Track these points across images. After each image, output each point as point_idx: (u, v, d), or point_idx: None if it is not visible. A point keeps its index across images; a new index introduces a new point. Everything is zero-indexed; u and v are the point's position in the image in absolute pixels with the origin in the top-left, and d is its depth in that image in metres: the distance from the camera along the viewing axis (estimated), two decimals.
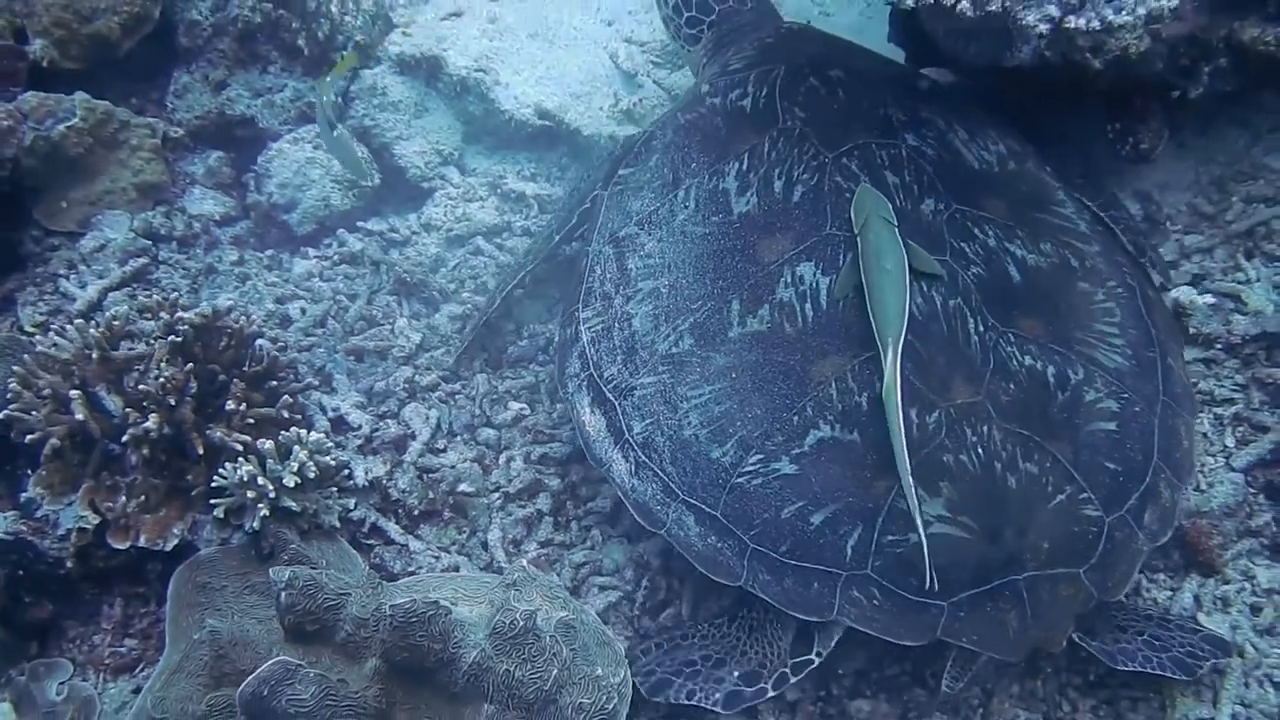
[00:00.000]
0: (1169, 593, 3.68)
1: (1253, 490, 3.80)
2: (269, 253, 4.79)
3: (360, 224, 4.78)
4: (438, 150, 5.06)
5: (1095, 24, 2.93)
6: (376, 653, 3.11)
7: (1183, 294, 4.09)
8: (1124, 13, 2.93)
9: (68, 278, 4.45)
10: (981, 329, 3.47)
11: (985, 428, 3.32)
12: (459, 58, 5.08)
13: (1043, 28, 2.97)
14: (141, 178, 4.73)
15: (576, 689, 3.12)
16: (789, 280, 3.58)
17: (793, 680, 3.37)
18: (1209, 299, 4.08)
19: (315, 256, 4.74)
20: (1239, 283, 4.14)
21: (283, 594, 3.16)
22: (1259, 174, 4.34)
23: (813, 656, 3.37)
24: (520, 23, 5.37)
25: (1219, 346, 4.02)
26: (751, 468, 3.38)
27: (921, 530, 3.10)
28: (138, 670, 3.68)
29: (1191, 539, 3.70)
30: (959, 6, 3.00)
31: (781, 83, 4.03)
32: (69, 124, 4.50)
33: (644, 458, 3.55)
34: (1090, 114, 4.25)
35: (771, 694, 3.37)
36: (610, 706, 3.14)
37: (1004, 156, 3.97)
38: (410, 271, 4.55)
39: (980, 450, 3.29)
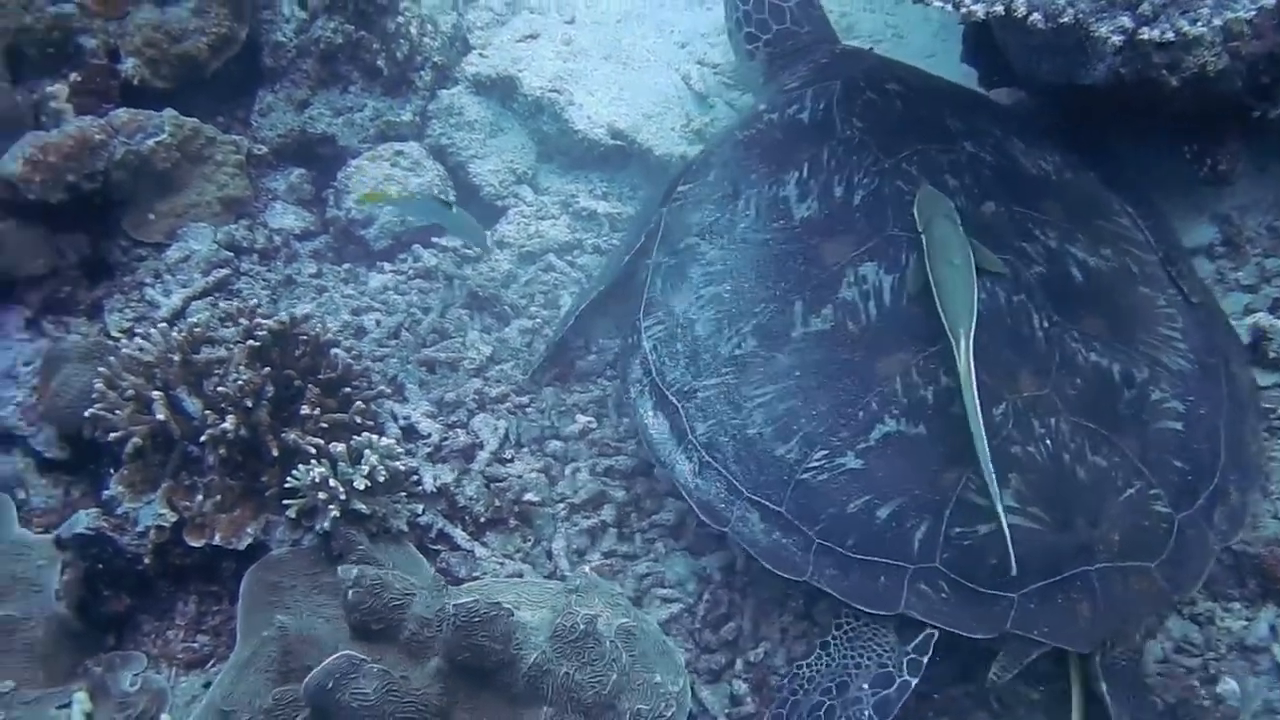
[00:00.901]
0: (1244, 622, 3.61)
1: None
2: (346, 266, 4.89)
3: (435, 240, 4.86)
4: (512, 169, 5.15)
5: (1170, 35, 2.92)
6: (439, 652, 3.17)
7: (1262, 319, 4.03)
8: (1199, 24, 2.93)
9: (153, 286, 4.58)
10: (1045, 324, 3.49)
11: (1053, 420, 3.33)
12: (534, 78, 5.18)
13: (1116, 39, 2.97)
14: (226, 192, 4.87)
15: (635, 695, 3.15)
16: (852, 280, 3.63)
17: (924, 662, 3.30)
18: None
19: (391, 271, 4.83)
20: None
21: (350, 591, 3.24)
22: None
23: (930, 629, 3.30)
24: (595, 45, 5.46)
25: None
26: (816, 463, 3.42)
27: (1004, 518, 3.10)
28: (209, 665, 3.76)
29: (1269, 567, 3.63)
30: (1031, 18, 3.01)
31: (839, 97, 4.08)
32: (158, 139, 4.64)
33: (708, 458, 3.60)
34: (1166, 136, 4.22)
35: (914, 682, 3.30)
36: (669, 714, 3.17)
37: (1060, 166, 3.98)
38: (482, 286, 4.63)
39: (1049, 441, 3.29)
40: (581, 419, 4.22)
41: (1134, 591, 3.22)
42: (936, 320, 3.39)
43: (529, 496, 3.97)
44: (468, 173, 5.12)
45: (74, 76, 4.79)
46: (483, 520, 3.94)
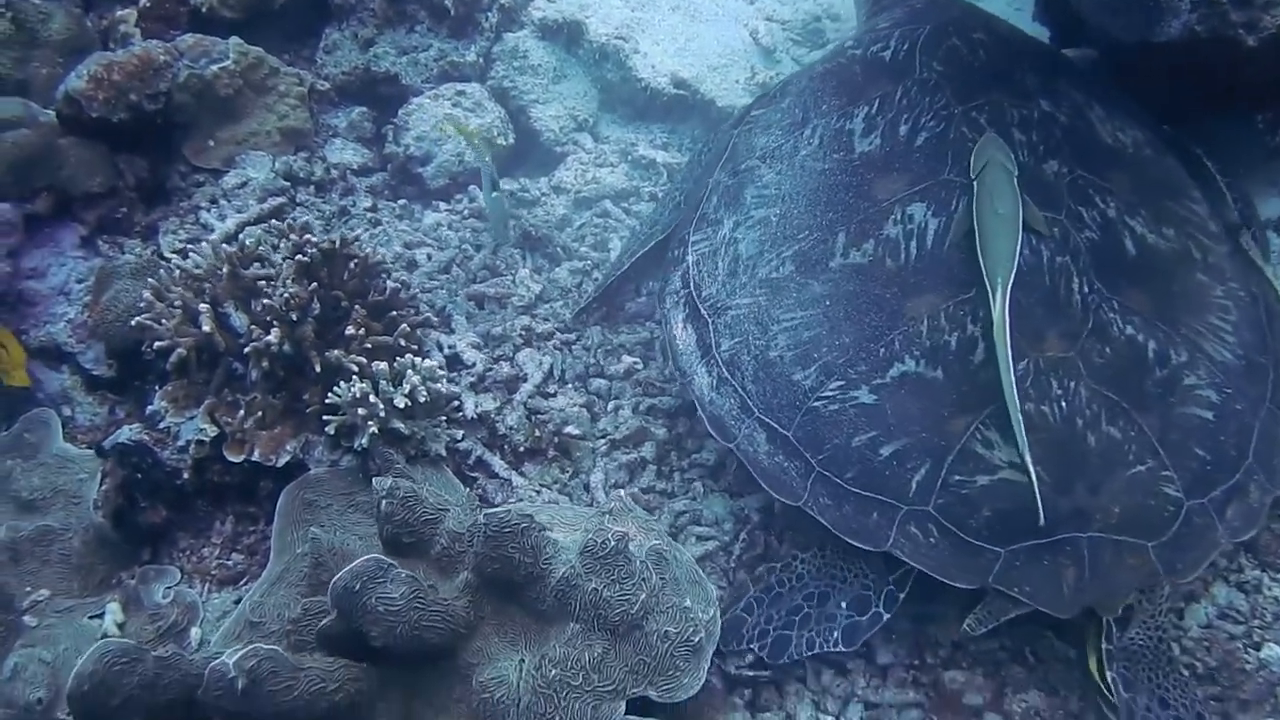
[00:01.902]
0: None
1: None
2: (401, 203, 4.87)
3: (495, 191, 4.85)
4: (573, 116, 5.12)
5: None
6: (469, 566, 3.13)
7: None
8: None
9: (208, 210, 4.60)
10: (1085, 290, 3.39)
11: (1072, 383, 3.25)
12: (600, 25, 5.15)
13: None
14: (286, 123, 4.88)
15: (664, 617, 3.08)
16: (898, 218, 3.57)
17: (900, 598, 3.32)
18: None
19: (446, 209, 4.81)
20: None
21: (383, 502, 3.20)
22: None
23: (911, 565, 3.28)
24: None
25: None
26: (830, 393, 3.38)
27: (1031, 467, 3.06)
28: (241, 583, 3.76)
29: None
30: None
31: (925, 40, 4.00)
32: (222, 64, 4.67)
33: (727, 374, 3.59)
34: (1241, 104, 4.09)
35: (886, 616, 3.32)
36: (696, 639, 3.09)
37: (1141, 142, 3.87)
38: (536, 226, 4.59)
39: (1064, 404, 3.22)
40: (627, 359, 4.17)
41: (1125, 566, 3.15)
42: (974, 268, 3.34)
43: (570, 429, 3.93)
44: (529, 117, 5.10)
45: (143, 2, 4.87)
46: (522, 450, 3.91)
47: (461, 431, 3.85)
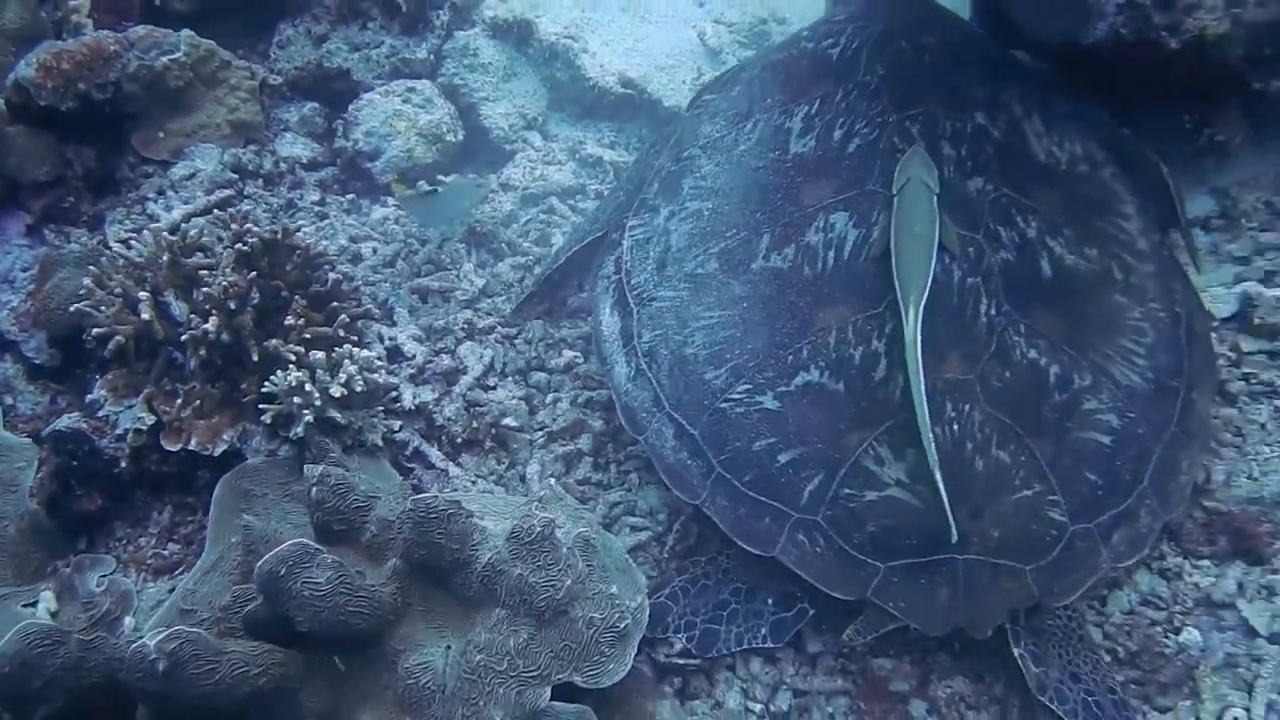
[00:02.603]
0: (1212, 579, 3.56)
1: None
2: (349, 197, 4.90)
3: (441, 177, 4.85)
4: (522, 114, 5.17)
5: None
6: (398, 552, 3.15)
7: (1250, 286, 3.98)
8: None
9: (155, 201, 4.61)
10: (993, 312, 3.41)
11: (967, 406, 3.28)
12: (550, 25, 5.21)
13: None
14: (236, 116, 4.90)
15: (589, 604, 3.11)
16: (820, 225, 3.59)
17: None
18: (1278, 292, 3.97)
19: (394, 204, 4.83)
20: None
21: (314, 489, 3.20)
22: None
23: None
24: None
25: None
26: (738, 396, 3.42)
27: (943, 488, 3.09)
28: (177, 573, 3.77)
29: (1240, 525, 3.57)
30: None
31: (874, 40, 4.01)
32: (173, 56, 4.68)
33: (644, 366, 3.62)
34: (1168, 105, 4.17)
35: (811, 612, 3.38)
36: (622, 625, 3.11)
37: (1077, 158, 3.85)
38: (481, 222, 4.62)
39: (955, 427, 3.25)
40: (568, 353, 4.21)
41: (999, 589, 3.19)
42: (886, 283, 3.37)
43: (507, 421, 3.96)
44: (478, 114, 5.13)
45: None
46: (459, 441, 3.94)
47: (399, 422, 3.88)
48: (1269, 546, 3.58)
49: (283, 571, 2.92)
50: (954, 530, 3.11)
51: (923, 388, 3.14)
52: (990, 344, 3.37)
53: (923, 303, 3.24)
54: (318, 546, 2.99)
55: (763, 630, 3.37)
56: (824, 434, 3.30)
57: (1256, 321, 3.95)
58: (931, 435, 3.11)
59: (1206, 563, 3.61)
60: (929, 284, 3.28)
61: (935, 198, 3.46)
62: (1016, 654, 3.26)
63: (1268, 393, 3.88)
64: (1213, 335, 3.86)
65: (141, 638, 2.85)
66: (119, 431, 3.79)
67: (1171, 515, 3.40)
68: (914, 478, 3.20)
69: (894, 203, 3.50)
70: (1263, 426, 3.81)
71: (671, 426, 3.51)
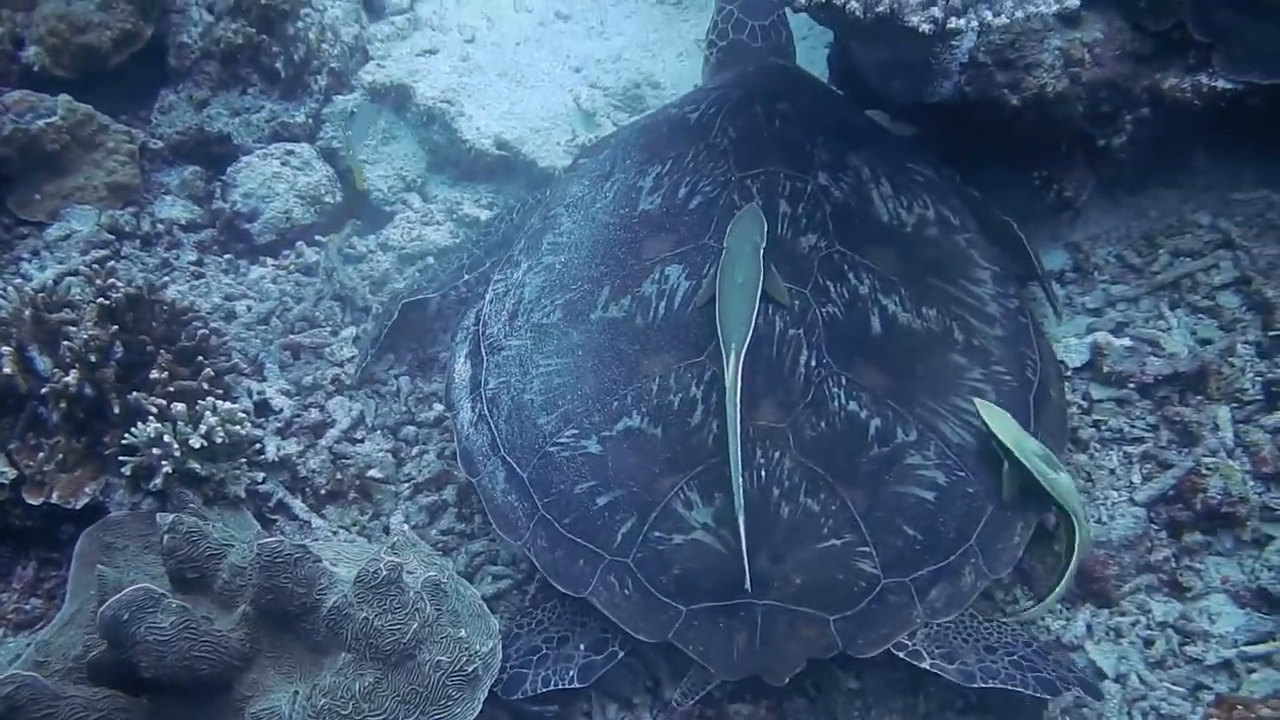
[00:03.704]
0: (1063, 622, 3.69)
1: (1155, 526, 3.81)
2: (227, 257, 4.95)
3: (319, 238, 4.94)
4: (401, 176, 5.26)
5: (974, 23, 3.06)
6: (248, 598, 3.17)
7: (1100, 336, 4.16)
8: (1002, 15, 3.06)
9: (29, 261, 4.64)
10: (812, 363, 3.51)
11: (777, 454, 3.37)
12: (428, 89, 5.31)
13: (926, 28, 3.10)
14: (114, 178, 4.94)
15: (437, 647, 3.13)
16: (656, 277, 3.73)
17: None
18: (1126, 341, 4.14)
19: (273, 264, 4.89)
20: (1160, 330, 4.19)
21: (166, 537, 3.22)
22: (1187, 229, 4.43)
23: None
24: (491, 64, 5.60)
25: (1132, 386, 4.07)
26: (565, 440, 3.53)
27: (744, 533, 3.16)
28: (38, 627, 3.74)
29: (1088, 568, 3.70)
30: (848, 6, 3.14)
31: (730, 105, 4.16)
32: (49, 120, 4.74)
33: (486, 411, 3.72)
34: (1018, 165, 4.36)
35: (621, 655, 3.41)
36: (471, 669, 3.15)
37: (926, 221, 3.95)
38: (343, 285, 4.71)
39: (763, 473, 3.34)
40: (438, 407, 4.27)
41: (798, 636, 3.23)
42: (710, 333, 3.48)
43: (372, 473, 4.02)
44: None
45: None
46: (323, 492, 3.99)
47: (263, 474, 3.91)
48: (1116, 589, 3.72)
49: (126, 616, 2.93)
50: (748, 577, 3.17)
51: (738, 436, 3.22)
52: (807, 394, 3.46)
53: (744, 350, 3.33)
54: (162, 591, 3.00)
55: (571, 672, 3.40)
56: (640, 478, 3.40)
57: (1105, 370, 4.13)
58: (741, 481, 3.18)
59: (1058, 606, 3.71)
60: (750, 332, 3.37)
61: (761, 251, 3.56)
62: (928, 666, 3.29)
63: (1116, 439, 4.05)
64: (1067, 397, 3.99)
65: None
66: None
67: (999, 575, 3.43)
68: (719, 522, 3.28)
69: (722, 255, 3.62)
70: (1112, 472, 3.98)
71: (504, 469, 3.60)
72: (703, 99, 4.31)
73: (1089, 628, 3.65)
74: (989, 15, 3.07)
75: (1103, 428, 4.05)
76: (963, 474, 3.45)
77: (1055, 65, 3.93)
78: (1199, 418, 3.95)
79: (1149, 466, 3.93)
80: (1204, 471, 3.78)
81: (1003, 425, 3.45)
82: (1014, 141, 4.20)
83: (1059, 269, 4.50)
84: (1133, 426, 4.03)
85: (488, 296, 4.01)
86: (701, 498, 3.32)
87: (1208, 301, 4.24)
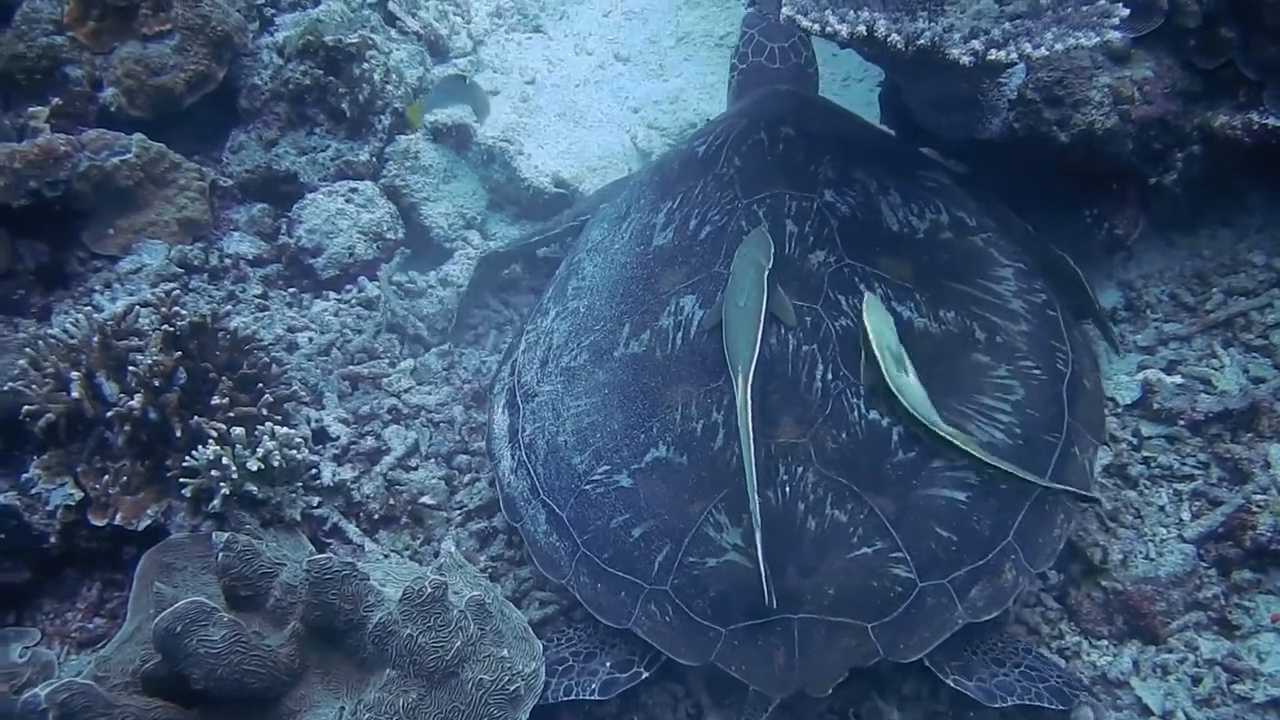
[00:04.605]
0: (1109, 658, 3.66)
1: (1204, 563, 3.76)
2: (291, 291, 5.07)
3: (379, 274, 5.06)
4: (462, 213, 5.35)
5: (1014, 55, 3.10)
6: (298, 615, 3.25)
7: (1151, 374, 4.16)
8: (1042, 48, 3.10)
9: (102, 293, 4.79)
10: (829, 377, 3.54)
11: (800, 469, 3.40)
12: (488, 129, 5.45)
13: (966, 60, 3.14)
14: (185, 214, 5.10)
15: (480, 665, 3.20)
16: (672, 309, 3.79)
17: (663, 659, 3.43)
18: (1178, 379, 4.13)
19: (335, 298, 5.01)
20: (1212, 368, 4.17)
21: (221, 555, 3.32)
22: (1241, 268, 4.42)
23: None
24: (551, 104, 5.74)
25: (1183, 423, 4.05)
26: (598, 477, 3.59)
27: (761, 554, 3.19)
28: (100, 646, 3.84)
29: (1135, 604, 3.68)
30: (890, 39, 3.19)
31: (736, 135, 4.19)
32: (123, 157, 4.91)
33: (525, 457, 3.81)
34: (1066, 200, 4.37)
35: (645, 675, 3.45)
36: (512, 688, 3.21)
37: (939, 225, 3.97)
38: (403, 317, 4.82)
39: (787, 489, 3.38)
40: None
41: (838, 646, 3.26)
42: (724, 358, 3.53)
43: (425, 499, 4.09)
44: (419, 214, 5.31)
45: (55, 100, 5.11)
46: (376, 517, 4.06)
47: (319, 498, 4.00)
48: (1164, 626, 3.68)
49: (178, 628, 3.02)
50: (770, 595, 3.20)
51: (752, 451, 3.26)
52: (825, 407, 3.49)
53: (751, 369, 3.38)
54: (214, 605, 3.09)
55: (593, 685, 3.45)
56: (671, 506, 3.45)
57: (1156, 407, 4.11)
58: (758, 498, 3.22)
59: (1105, 642, 3.71)
60: (756, 352, 3.41)
61: (766, 272, 3.60)
62: (950, 682, 3.34)
63: (1166, 476, 4.02)
64: (1104, 390, 4.01)
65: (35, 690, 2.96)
66: (49, 508, 3.90)
67: (1041, 569, 3.47)
68: (748, 541, 3.29)
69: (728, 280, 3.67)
70: (1161, 509, 3.95)
71: (544, 511, 3.68)
72: (710, 132, 4.36)
73: (1135, 664, 3.61)
74: (1029, 48, 3.10)
75: (1152, 464, 4.03)
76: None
77: (1104, 102, 3.95)
78: (1250, 455, 3.91)
79: (1199, 503, 3.89)
80: (1254, 509, 3.74)
81: (875, 319, 3.51)
82: (1064, 179, 4.22)
83: (1111, 307, 4.50)
84: (1183, 463, 4.01)
85: (520, 347, 4.13)
86: (730, 519, 3.36)
87: (1261, 340, 4.22)
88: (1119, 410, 4.17)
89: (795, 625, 3.26)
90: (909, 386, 3.42)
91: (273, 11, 5.72)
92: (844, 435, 3.45)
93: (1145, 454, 4.07)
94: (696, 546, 3.37)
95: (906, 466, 3.42)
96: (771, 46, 4.75)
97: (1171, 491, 3.98)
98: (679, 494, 3.46)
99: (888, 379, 3.41)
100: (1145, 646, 3.68)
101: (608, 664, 3.49)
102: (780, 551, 3.27)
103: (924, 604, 3.30)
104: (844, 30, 3.23)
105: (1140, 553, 3.78)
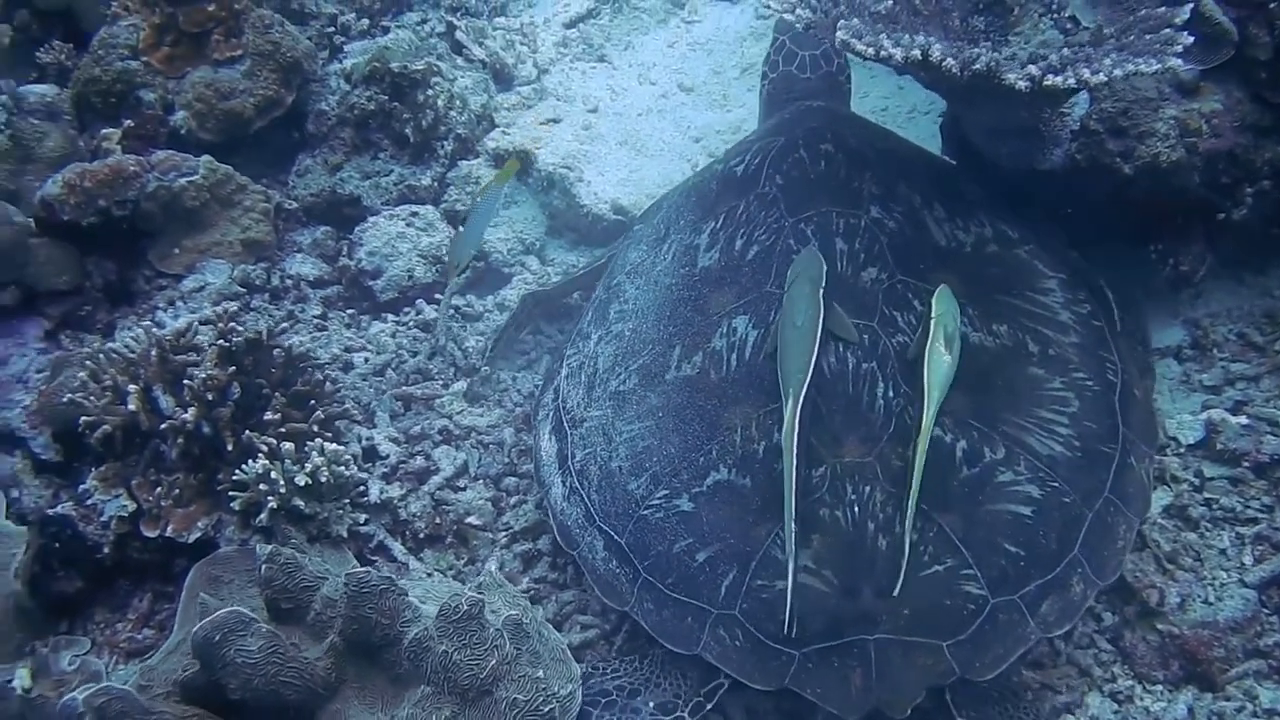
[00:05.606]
0: (1164, 704, 3.55)
1: (1266, 609, 3.65)
2: (350, 312, 5.13)
3: (439, 296, 5.09)
4: (521, 239, 5.38)
5: (1071, 81, 3.05)
6: (336, 629, 3.25)
7: (1214, 413, 4.04)
8: (1100, 74, 3.05)
9: (165, 310, 4.87)
10: (890, 394, 3.51)
11: (868, 488, 3.36)
12: (549, 155, 5.47)
13: (1022, 85, 3.10)
14: (249, 235, 5.19)
15: (514, 685, 3.17)
16: (724, 331, 3.75)
17: (709, 708, 3.42)
18: (1244, 420, 4.01)
19: (393, 320, 5.05)
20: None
21: (264, 567, 3.33)
22: None
23: (722, 680, 3.42)
24: (613, 132, 5.74)
25: (1247, 465, 3.93)
26: (657, 502, 3.55)
27: (791, 574, 3.18)
28: (148, 656, 3.87)
29: (1192, 649, 3.58)
30: (945, 63, 3.15)
31: (775, 153, 4.15)
32: (190, 179, 5.01)
33: (577, 484, 3.77)
34: (1129, 234, 4.28)
35: None
36: (546, 709, 3.18)
37: (985, 239, 3.95)
38: (447, 346, 4.83)
39: (856, 509, 3.33)
40: None
41: (915, 666, 3.22)
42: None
43: (471, 519, 4.09)
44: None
45: (127, 123, 5.24)
46: (422, 536, 4.07)
47: (365, 515, 4.02)
48: (1222, 672, 3.57)
49: (217, 637, 3.04)
50: (792, 620, 3.20)
51: (793, 478, 3.23)
52: (889, 425, 3.46)
53: (803, 392, 3.33)
54: (253, 616, 3.10)
55: None
56: (736, 529, 3.41)
57: (1219, 448, 4.00)
58: (794, 525, 3.20)
59: (1159, 687, 3.61)
60: (809, 374, 3.37)
61: (821, 291, 3.56)
62: None
63: (1228, 519, 3.91)
64: (1155, 405, 3.96)
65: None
66: (104, 519, 3.96)
67: (1108, 581, 3.42)
68: (819, 562, 3.27)
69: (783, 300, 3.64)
70: (1222, 552, 3.84)
71: (601, 539, 3.64)
72: (745, 151, 4.31)
73: (1191, 711, 3.50)
74: (1087, 73, 3.05)
75: (1214, 506, 3.91)
76: (1056, 485, 3.44)
77: (1170, 134, 3.87)
78: None
79: (1262, 548, 3.77)
80: None
81: (944, 302, 3.53)
82: (1128, 213, 4.14)
83: (1175, 345, 4.39)
84: (1246, 506, 3.89)
85: (563, 372, 4.11)
86: (799, 541, 3.28)
87: None
88: (1181, 450, 4.07)
89: (871, 646, 3.22)
90: (940, 362, 3.40)
91: (343, 39, 5.86)
92: (909, 453, 3.41)
93: (1207, 495, 3.96)
94: (765, 569, 3.33)
95: (972, 483, 3.40)
96: (803, 55, 4.71)
97: (1234, 534, 3.86)
98: (743, 517, 3.42)
99: (928, 348, 3.40)
100: (1201, 693, 3.56)
101: (650, 704, 3.47)
102: (854, 571, 3.26)
103: (997, 621, 3.26)
104: (899, 54, 3.20)
105: (1199, 596, 3.68)
